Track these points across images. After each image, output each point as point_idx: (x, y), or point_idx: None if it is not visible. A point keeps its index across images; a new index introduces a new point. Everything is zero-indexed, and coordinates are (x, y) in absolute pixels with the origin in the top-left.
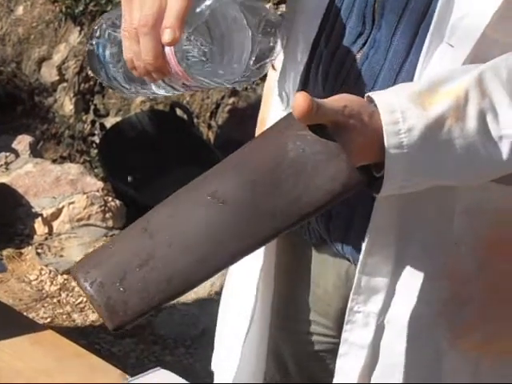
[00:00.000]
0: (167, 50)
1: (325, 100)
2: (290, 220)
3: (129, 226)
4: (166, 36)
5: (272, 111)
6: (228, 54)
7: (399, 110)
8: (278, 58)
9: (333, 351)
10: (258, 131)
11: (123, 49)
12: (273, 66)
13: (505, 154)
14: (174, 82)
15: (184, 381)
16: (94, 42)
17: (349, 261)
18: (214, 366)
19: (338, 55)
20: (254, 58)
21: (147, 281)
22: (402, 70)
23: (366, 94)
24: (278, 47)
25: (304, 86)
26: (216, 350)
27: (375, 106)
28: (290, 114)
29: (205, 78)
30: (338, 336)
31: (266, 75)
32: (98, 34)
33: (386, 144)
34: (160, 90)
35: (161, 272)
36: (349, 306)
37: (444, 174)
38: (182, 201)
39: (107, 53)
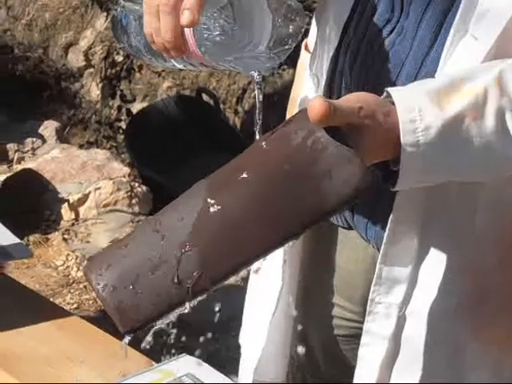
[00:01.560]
0: (186, 30)
1: (340, 101)
2: (303, 224)
3: (140, 225)
4: (185, 18)
5: (303, 91)
6: (249, 35)
7: (417, 109)
8: (311, 39)
9: (358, 336)
10: (289, 110)
11: (144, 23)
12: (307, 47)
13: None
14: (191, 60)
15: (210, 367)
16: (118, 10)
17: (373, 247)
18: (241, 341)
19: (366, 40)
20: (272, 43)
21: (159, 286)
22: (427, 59)
23: (385, 89)
24: (298, 34)
25: (334, 68)
26: (243, 327)
27: (393, 103)
28: (302, 114)
29: (221, 61)
30: (364, 321)
31: (298, 56)
32: (122, 3)
33: (402, 142)
34: (179, 65)
35: (173, 277)
36: (370, 296)
37: (460, 171)
38: (193, 203)
39: (130, 22)
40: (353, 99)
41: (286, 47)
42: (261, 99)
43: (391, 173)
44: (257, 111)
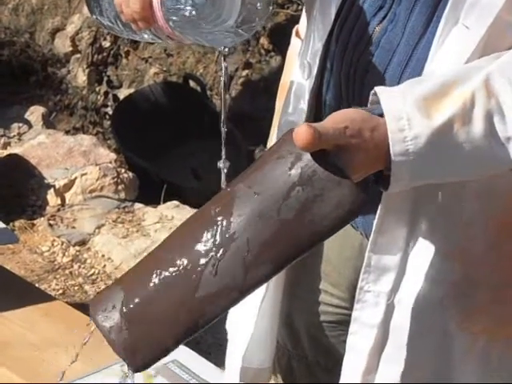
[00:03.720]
0: (155, 2)
1: (325, 123)
2: (299, 251)
3: (138, 264)
4: None
5: (294, 77)
6: (218, 10)
7: (405, 118)
8: (303, 26)
9: (345, 322)
10: (279, 96)
11: None
12: (297, 34)
13: None
14: (159, 33)
15: (194, 352)
16: None
17: (362, 234)
18: (228, 327)
19: (357, 27)
20: (240, 20)
21: (162, 325)
22: (418, 47)
23: (374, 89)
24: (266, 11)
25: (325, 54)
26: (230, 313)
27: (380, 115)
28: (290, 137)
29: (188, 34)
30: (351, 307)
31: (285, 42)
32: None
33: (391, 151)
34: (147, 37)
35: (174, 314)
36: (359, 285)
37: (452, 174)
38: (186, 242)
39: None
40: (338, 119)
41: (253, 24)
42: (226, 77)
43: (383, 175)
44: (222, 86)
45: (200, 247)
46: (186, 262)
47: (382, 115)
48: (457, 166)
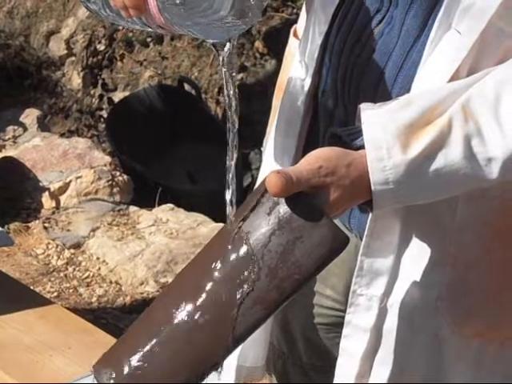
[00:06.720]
0: None
1: (299, 166)
2: (287, 294)
3: (132, 326)
4: None
5: (290, 78)
6: (209, 1)
7: (385, 147)
8: (301, 26)
9: (340, 325)
10: (276, 96)
11: None
12: (295, 33)
13: (495, 174)
14: (149, 22)
15: None
16: None
17: (356, 236)
18: None
19: (354, 29)
20: (232, 13)
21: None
22: (413, 50)
23: (360, 109)
24: (260, 8)
25: (322, 55)
26: None
27: (358, 148)
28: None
29: (180, 25)
30: (346, 310)
31: (280, 45)
32: None
33: (371, 180)
34: (136, 25)
35: (174, 366)
36: (352, 288)
37: (434, 196)
38: (177, 295)
39: None
40: (312, 159)
41: (247, 19)
42: (225, 71)
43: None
44: (224, 85)
45: (191, 300)
46: (182, 315)
47: (363, 146)
48: (439, 189)
